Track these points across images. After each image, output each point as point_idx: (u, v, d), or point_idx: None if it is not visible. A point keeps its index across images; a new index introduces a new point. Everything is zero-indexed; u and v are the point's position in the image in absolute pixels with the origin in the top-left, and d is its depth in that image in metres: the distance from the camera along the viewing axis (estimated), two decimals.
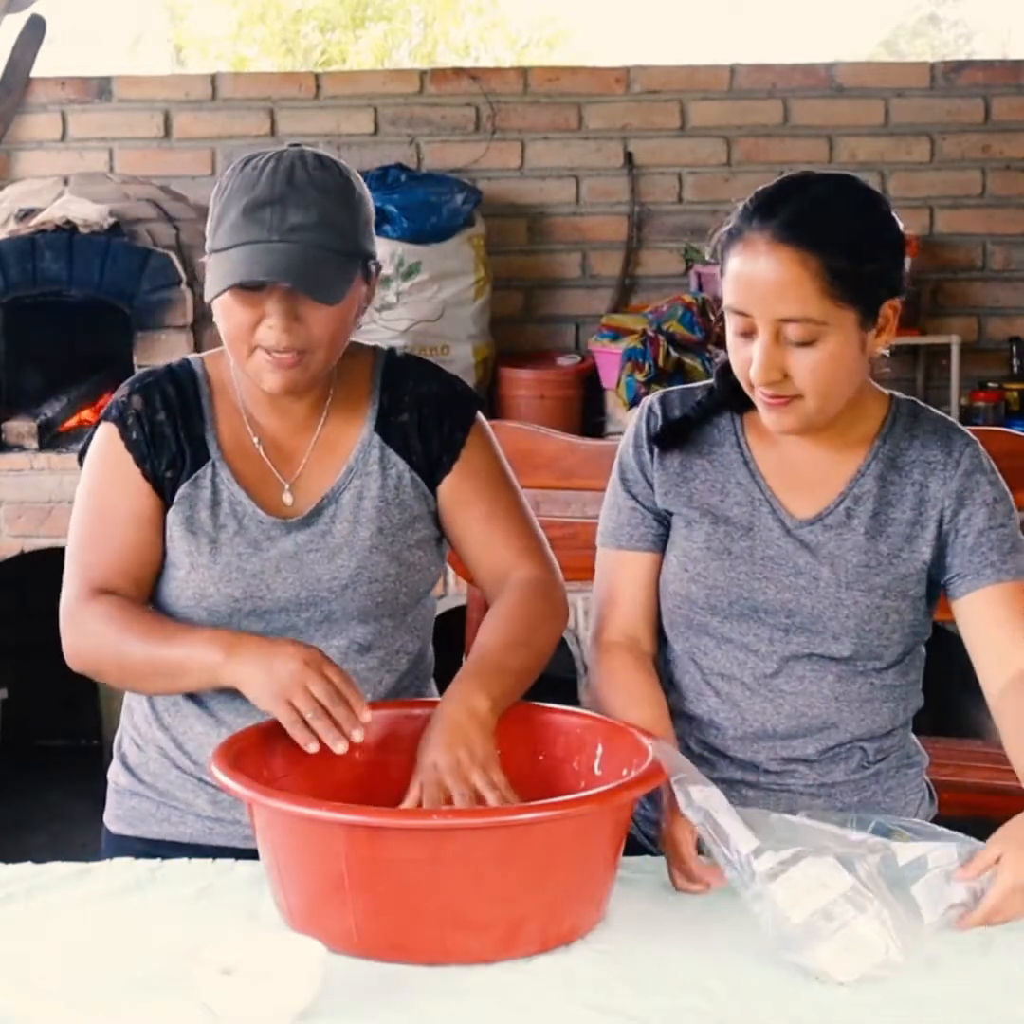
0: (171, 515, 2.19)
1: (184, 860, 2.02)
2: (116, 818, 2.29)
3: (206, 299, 2.11)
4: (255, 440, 2.22)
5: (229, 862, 2.00)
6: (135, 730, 2.28)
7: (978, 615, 2.12)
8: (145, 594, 2.20)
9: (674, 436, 2.18)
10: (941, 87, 5.25)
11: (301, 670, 1.94)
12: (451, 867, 1.70)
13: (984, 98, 5.26)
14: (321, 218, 2.08)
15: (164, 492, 2.20)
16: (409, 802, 1.94)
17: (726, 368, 2.20)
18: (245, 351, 2.12)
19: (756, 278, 2.00)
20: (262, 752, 1.93)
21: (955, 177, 5.28)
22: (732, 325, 2.04)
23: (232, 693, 2.10)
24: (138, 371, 2.30)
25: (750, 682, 2.14)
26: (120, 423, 2.21)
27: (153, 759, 2.25)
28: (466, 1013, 1.64)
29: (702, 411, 2.19)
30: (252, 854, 1.93)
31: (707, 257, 2.16)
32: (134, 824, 2.26)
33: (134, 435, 2.20)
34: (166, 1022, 1.62)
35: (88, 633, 2.14)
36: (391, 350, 2.33)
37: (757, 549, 2.13)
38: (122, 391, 2.24)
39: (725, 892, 1.92)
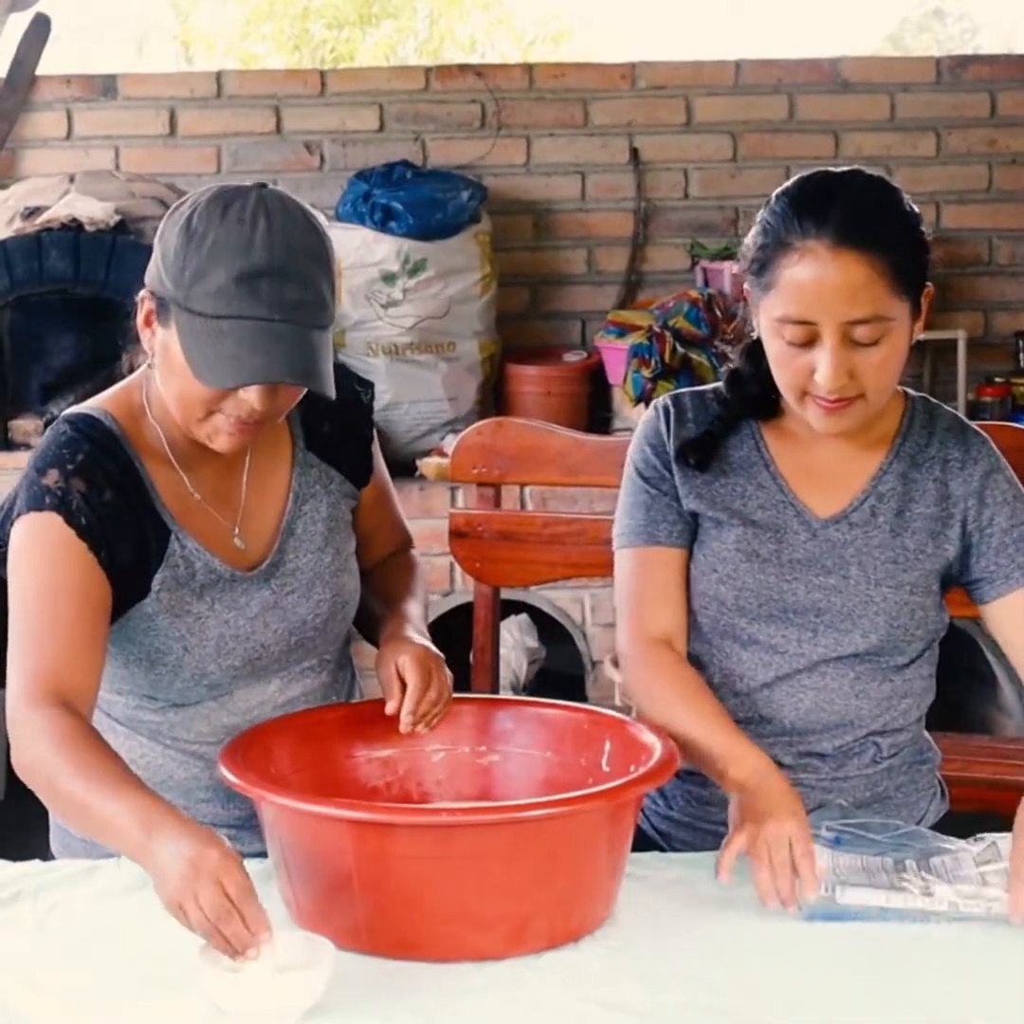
0: (152, 605, 2.05)
1: None
2: None
3: (204, 383, 1.93)
4: (194, 494, 2.10)
5: None
6: None
7: (1014, 618, 2.14)
8: (97, 684, 1.98)
9: (699, 453, 2.16)
10: (947, 82, 5.24)
11: (192, 876, 1.67)
12: (459, 864, 1.70)
13: (990, 92, 5.24)
14: (315, 295, 1.96)
15: (126, 582, 2.03)
16: (393, 699, 2.01)
17: (736, 375, 2.19)
18: (201, 413, 1.99)
19: (824, 286, 1.98)
20: (269, 749, 1.93)
21: (961, 172, 5.27)
22: (788, 336, 2.02)
23: (214, 738, 2.10)
24: (46, 445, 2.05)
25: (771, 681, 2.14)
26: (63, 510, 1.98)
27: None
28: (474, 1010, 1.64)
29: (723, 425, 2.18)
30: None
31: (737, 270, 2.12)
32: None
33: (84, 521, 1.98)
34: (174, 1020, 1.62)
35: (30, 747, 1.89)
36: None
37: (785, 552, 2.13)
38: (51, 476, 2.00)
39: (731, 887, 1.92)
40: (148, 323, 2.02)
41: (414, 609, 2.22)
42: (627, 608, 2.18)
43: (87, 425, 2.06)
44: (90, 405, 2.11)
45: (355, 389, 2.26)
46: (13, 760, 1.92)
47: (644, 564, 2.18)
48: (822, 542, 2.13)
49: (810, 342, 2.01)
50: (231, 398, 1.97)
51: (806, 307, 2.00)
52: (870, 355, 2.01)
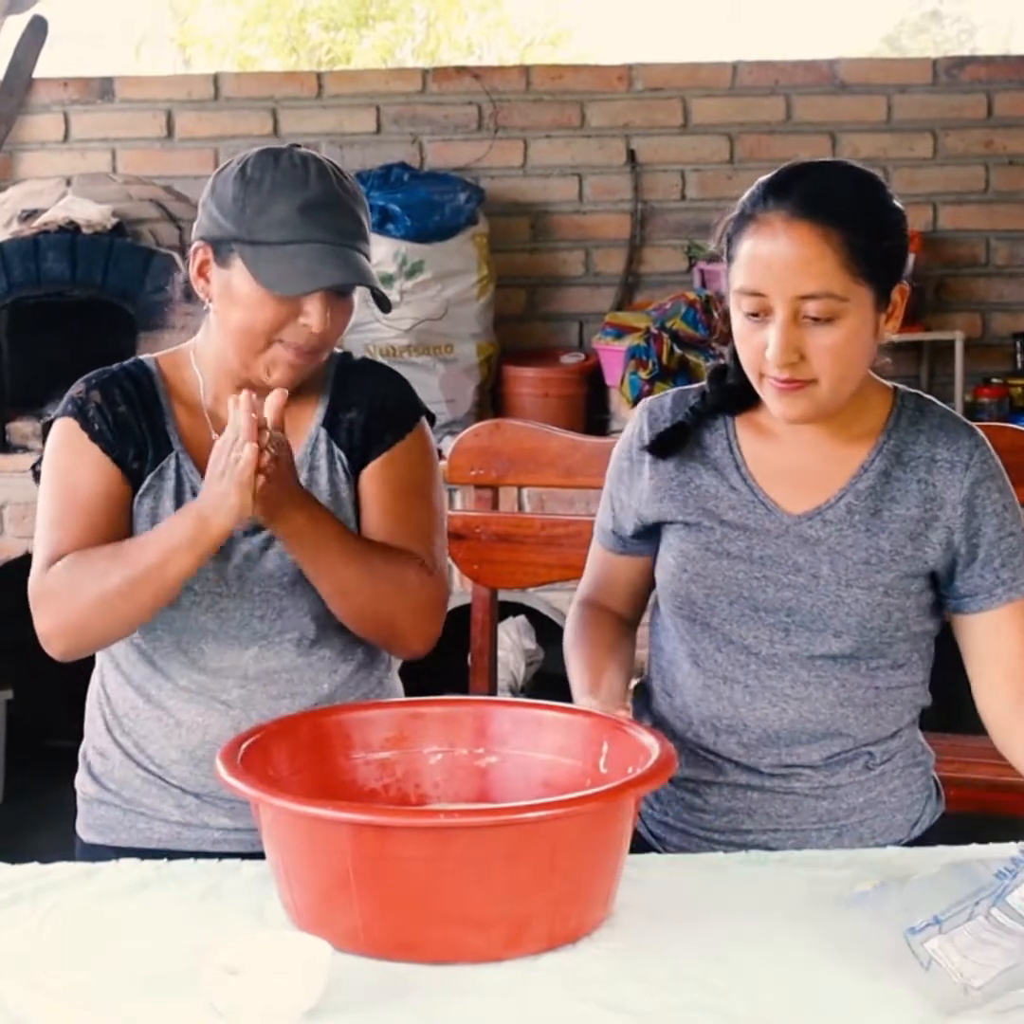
0: (136, 506, 2.21)
1: (191, 860, 2.02)
2: (87, 827, 2.31)
3: (283, 292, 2.12)
4: (214, 436, 2.21)
5: (235, 862, 2.00)
6: (98, 737, 2.30)
7: (988, 634, 2.13)
8: None
9: (668, 444, 2.18)
10: (944, 83, 5.25)
11: (213, 470, 2.03)
12: (457, 865, 1.70)
13: (987, 94, 5.25)
14: (360, 225, 2.21)
15: (132, 482, 2.22)
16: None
17: (718, 371, 2.19)
18: (262, 343, 2.16)
19: (775, 256, 1.98)
20: (267, 751, 1.93)
21: (958, 173, 5.27)
22: (744, 308, 2.02)
23: (186, 695, 2.21)
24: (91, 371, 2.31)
25: (753, 686, 2.13)
26: (80, 417, 2.21)
27: (117, 766, 2.27)
28: (473, 1011, 1.64)
29: (696, 416, 2.18)
30: (221, 858, 1.99)
31: (711, 247, 2.15)
32: (104, 832, 2.29)
33: (97, 427, 2.21)
34: (173, 1021, 1.62)
35: (57, 594, 2.13)
36: (346, 353, 2.37)
37: (755, 548, 2.12)
38: (77, 388, 2.25)
39: (731, 888, 1.92)
40: (202, 272, 2.20)
41: (338, 522, 2.21)
42: (581, 585, 2.33)
43: (131, 361, 2.30)
44: (145, 355, 2.35)
45: (401, 398, 2.33)
46: (48, 633, 2.14)
47: (600, 558, 2.32)
48: (793, 538, 2.11)
49: (765, 316, 2.01)
50: (291, 325, 2.14)
51: (758, 278, 2.00)
52: (822, 335, 1.99)
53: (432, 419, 2.37)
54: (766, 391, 2.05)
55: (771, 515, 2.13)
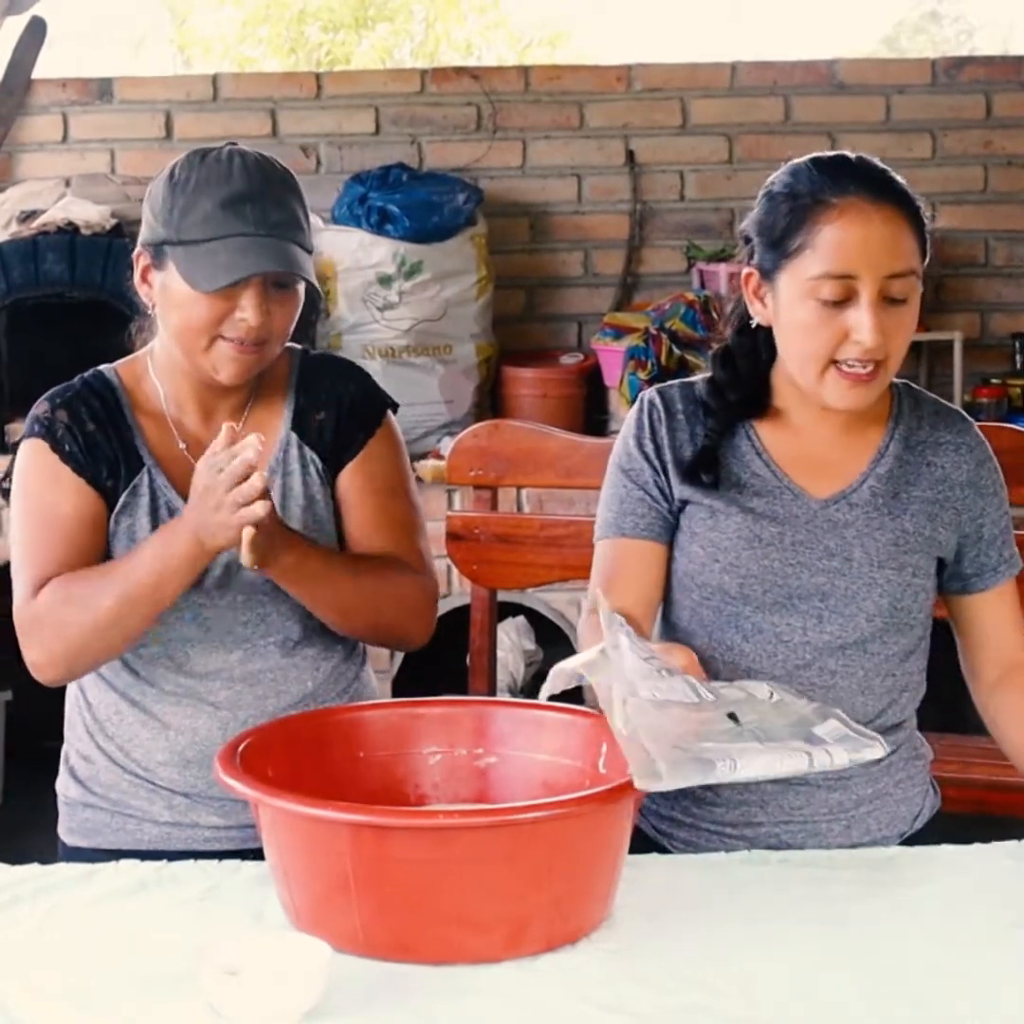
0: (113, 525, 2.19)
1: (190, 861, 2.02)
2: (70, 831, 2.31)
3: (205, 289, 2.10)
4: (181, 445, 2.23)
5: (235, 863, 2.00)
6: (79, 741, 2.30)
7: (982, 613, 2.20)
8: None
9: (707, 468, 2.14)
10: (942, 83, 5.25)
11: (208, 497, 1.99)
12: (456, 866, 1.70)
13: (986, 94, 5.25)
14: (292, 216, 2.16)
15: (107, 501, 2.20)
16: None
17: (717, 386, 2.17)
18: (205, 342, 2.14)
19: (869, 237, 2.02)
20: (267, 752, 1.93)
21: (957, 173, 5.27)
22: (826, 295, 2.02)
23: (173, 698, 2.21)
24: (52, 388, 2.28)
25: (781, 676, 2.11)
26: (49, 438, 2.19)
27: (103, 770, 2.27)
28: (472, 1013, 1.64)
29: (718, 436, 2.16)
30: (212, 856, 2.00)
31: (753, 241, 2.10)
32: (89, 836, 2.28)
33: (67, 447, 2.18)
34: (173, 1022, 1.62)
35: (46, 623, 2.12)
36: (305, 350, 2.36)
37: (786, 534, 2.13)
38: (41, 407, 2.22)
39: (731, 888, 1.92)
40: (145, 278, 2.20)
41: (324, 551, 2.21)
42: (590, 590, 2.20)
43: (91, 375, 2.27)
44: (104, 365, 2.30)
45: (367, 393, 2.33)
46: (38, 661, 2.12)
47: (612, 553, 2.19)
48: (823, 522, 2.13)
49: (846, 301, 2.02)
50: (229, 320, 2.12)
51: (850, 260, 2.02)
52: (899, 315, 2.06)
53: (395, 408, 2.37)
54: (829, 384, 2.06)
55: (798, 500, 2.14)
